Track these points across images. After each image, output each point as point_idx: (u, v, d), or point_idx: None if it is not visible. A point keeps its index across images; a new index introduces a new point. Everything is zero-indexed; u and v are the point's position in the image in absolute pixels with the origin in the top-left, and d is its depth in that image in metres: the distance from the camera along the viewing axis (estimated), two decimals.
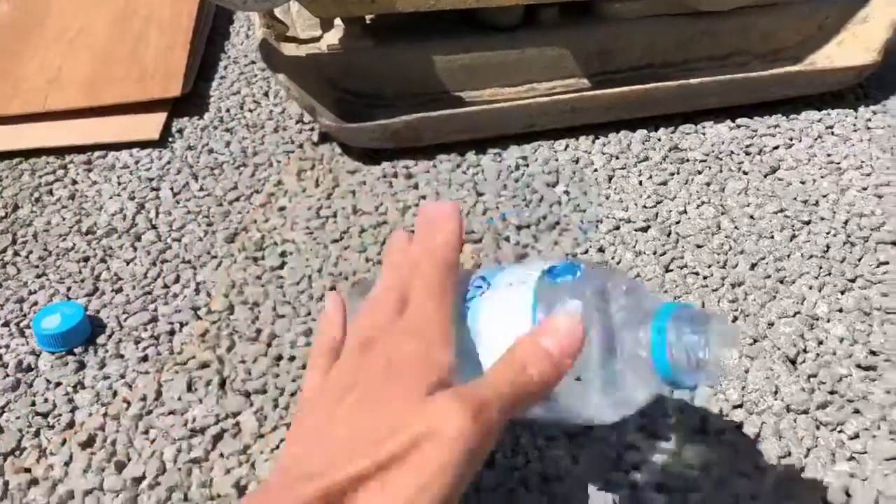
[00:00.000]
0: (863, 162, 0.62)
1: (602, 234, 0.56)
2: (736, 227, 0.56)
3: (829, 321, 0.49)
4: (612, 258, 0.54)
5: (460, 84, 0.68)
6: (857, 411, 0.43)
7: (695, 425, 0.42)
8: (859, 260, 0.53)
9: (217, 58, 0.80)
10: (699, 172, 0.61)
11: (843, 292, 0.51)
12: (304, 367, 0.47)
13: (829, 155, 0.63)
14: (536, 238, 0.56)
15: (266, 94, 0.74)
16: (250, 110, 0.71)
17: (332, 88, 0.66)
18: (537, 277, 0.30)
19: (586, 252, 0.54)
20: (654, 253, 0.54)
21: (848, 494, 0.39)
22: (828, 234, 0.55)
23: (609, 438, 0.42)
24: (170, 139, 0.68)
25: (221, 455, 0.42)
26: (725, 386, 0.44)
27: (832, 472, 0.40)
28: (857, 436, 0.42)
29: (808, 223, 0.56)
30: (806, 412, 0.43)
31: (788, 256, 0.53)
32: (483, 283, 0.31)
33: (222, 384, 0.46)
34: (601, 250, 0.55)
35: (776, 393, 0.44)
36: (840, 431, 0.42)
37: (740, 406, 0.44)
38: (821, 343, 0.47)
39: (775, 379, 0.45)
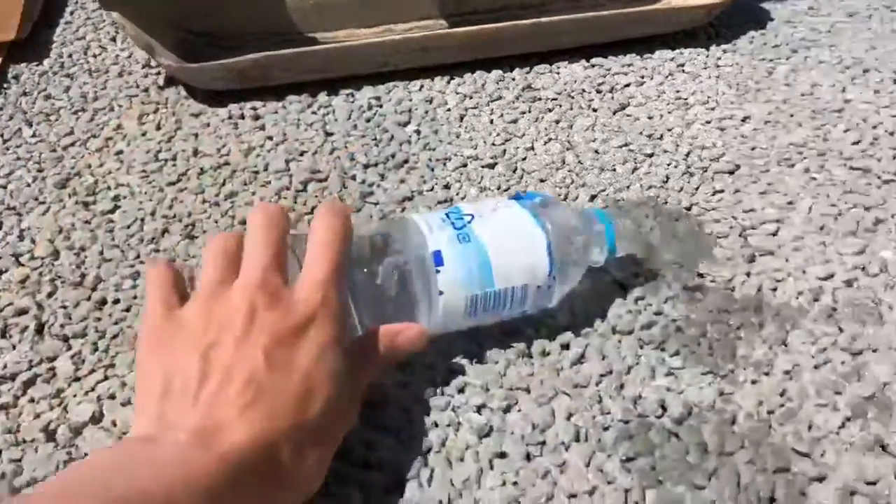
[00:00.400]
0: (709, 97, 0.63)
1: (449, 171, 0.56)
2: (580, 162, 0.56)
3: (661, 247, 0.49)
4: (458, 194, 0.54)
5: (312, 25, 0.66)
6: (679, 329, 0.44)
7: (520, 349, 0.43)
8: (696, 189, 0.54)
9: (64, 3, 0.75)
10: (550, 110, 0.62)
11: (677, 219, 0.52)
12: (128, 309, 0.45)
13: (677, 91, 0.64)
14: (383, 177, 0.55)
15: (113, 40, 0.70)
16: (95, 55, 0.68)
17: (174, 28, 0.63)
18: (515, 202, 0.42)
19: (432, 189, 0.54)
20: (499, 188, 0.54)
21: (663, 407, 0.40)
22: (668, 165, 0.56)
23: (436, 365, 0.42)
24: (4, 85, 0.64)
25: (31, 400, 0.40)
26: (555, 310, 0.44)
27: (650, 386, 0.41)
28: (677, 353, 0.43)
29: (650, 156, 0.57)
30: (630, 332, 0.44)
31: (628, 188, 0.54)
32: (458, 216, 0.40)
33: (39, 329, 0.44)
34: (447, 187, 0.54)
35: (604, 316, 0.45)
36: (662, 350, 0.43)
37: (568, 329, 0.44)
38: (650, 269, 0.48)
39: (604, 303, 0.46)
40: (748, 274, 0.48)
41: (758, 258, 0.49)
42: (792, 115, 0.61)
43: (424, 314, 0.39)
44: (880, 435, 0.39)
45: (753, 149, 0.58)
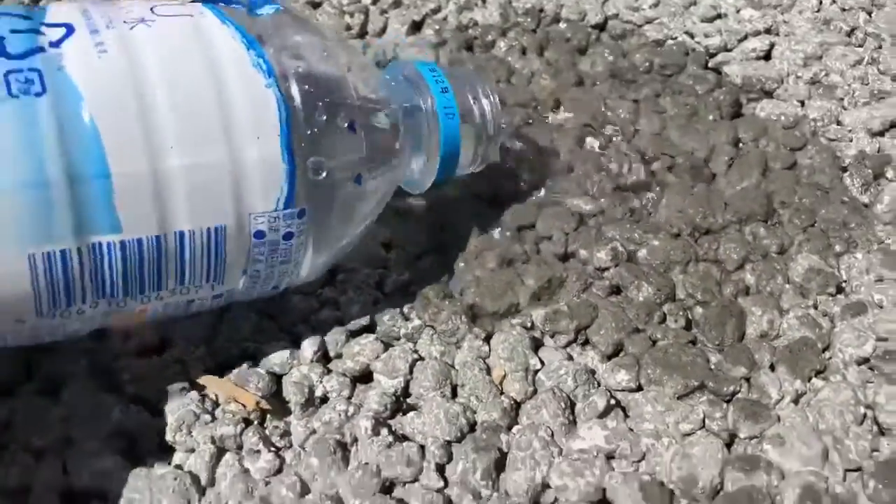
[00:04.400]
0: None
1: None
2: None
3: None
4: None
5: None
6: None
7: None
8: None
9: None
10: None
11: (582, 50, 0.26)
12: None
13: None
14: None
15: None
16: None
17: None
18: (206, 5, 0.17)
19: None
20: None
21: None
22: None
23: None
24: None
25: None
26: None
27: None
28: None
29: None
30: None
31: (484, 1, 0.28)
32: (31, 27, 0.15)
33: None
34: None
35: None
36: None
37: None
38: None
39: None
40: (730, 159, 0.24)
41: (745, 105, 0.25)
42: None
43: None
44: None
45: None
